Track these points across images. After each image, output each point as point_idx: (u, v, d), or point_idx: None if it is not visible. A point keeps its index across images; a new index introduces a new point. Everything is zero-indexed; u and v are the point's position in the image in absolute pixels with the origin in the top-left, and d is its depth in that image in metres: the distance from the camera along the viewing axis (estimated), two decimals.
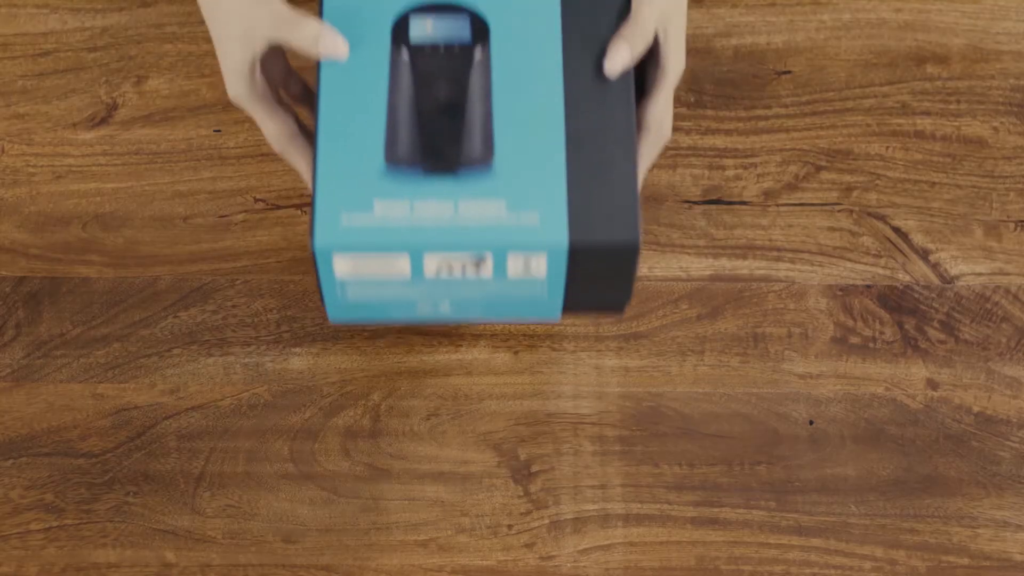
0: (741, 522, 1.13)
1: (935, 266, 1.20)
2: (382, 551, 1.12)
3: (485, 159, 0.96)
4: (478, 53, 0.99)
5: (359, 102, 0.98)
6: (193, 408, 1.15)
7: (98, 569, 1.12)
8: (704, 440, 1.15)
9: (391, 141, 0.97)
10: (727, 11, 1.26)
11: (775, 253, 1.20)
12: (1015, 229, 1.21)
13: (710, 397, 1.16)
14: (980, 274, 1.19)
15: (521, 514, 1.13)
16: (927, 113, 1.24)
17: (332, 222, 0.94)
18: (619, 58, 0.97)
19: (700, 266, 1.19)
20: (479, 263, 0.96)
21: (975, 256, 1.20)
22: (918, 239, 1.20)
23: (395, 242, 0.94)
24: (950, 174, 1.22)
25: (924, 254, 1.20)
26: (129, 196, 1.21)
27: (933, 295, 1.19)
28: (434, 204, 0.95)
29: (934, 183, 1.22)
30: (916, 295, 1.19)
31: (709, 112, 1.23)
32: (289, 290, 1.18)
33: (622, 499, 1.14)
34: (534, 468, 1.14)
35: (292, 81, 1.05)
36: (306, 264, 1.19)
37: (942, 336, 1.18)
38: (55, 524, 1.13)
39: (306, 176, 1.02)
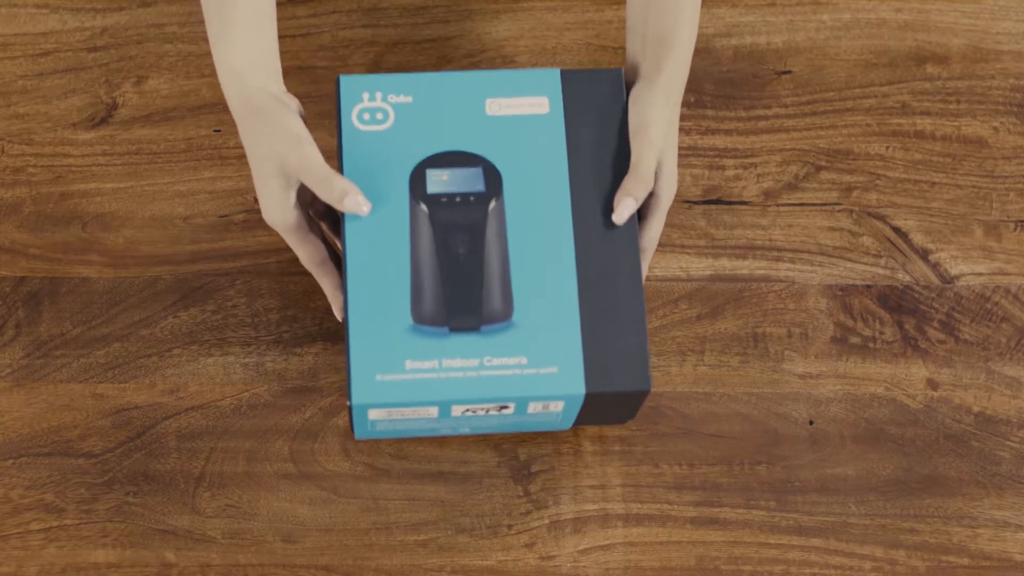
0: (741, 522, 1.13)
1: (935, 266, 1.20)
2: (382, 551, 1.12)
3: (506, 315, 1.03)
4: (493, 203, 1.05)
5: (383, 257, 1.04)
6: (193, 408, 1.15)
7: (98, 569, 1.12)
8: (704, 440, 1.15)
9: (416, 301, 1.03)
10: (727, 11, 1.26)
11: (775, 253, 1.20)
12: (1015, 229, 1.21)
13: (710, 397, 1.16)
14: (980, 274, 1.19)
15: (521, 514, 1.13)
16: (927, 113, 1.24)
17: (367, 381, 1.02)
18: (626, 210, 1.04)
19: (700, 266, 1.19)
20: (502, 407, 1.04)
21: (975, 256, 1.20)
22: (918, 239, 1.20)
23: (425, 398, 1.02)
24: (950, 174, 1.22)
25: (924, 254, 1.20)
26: (129, 196, 1.21)
27: (933, 295, 1.19)
28: (460, 361, 1.02)
29: (934, 183, 1.22)
30: (916, 295, 1.19)
31: (709, 112, 1.23)
32: (289, 290, 1.18)
33: (622, 499, 1.14)
34: (534, 468, 1.14)
35: (319, 200, 1.10)
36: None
37: (942, 336, 1.18)
38: (55, 524, 1.13)
39: (332, 298, 1.09)
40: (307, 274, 1.19)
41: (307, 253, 1.07)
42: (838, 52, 1.25)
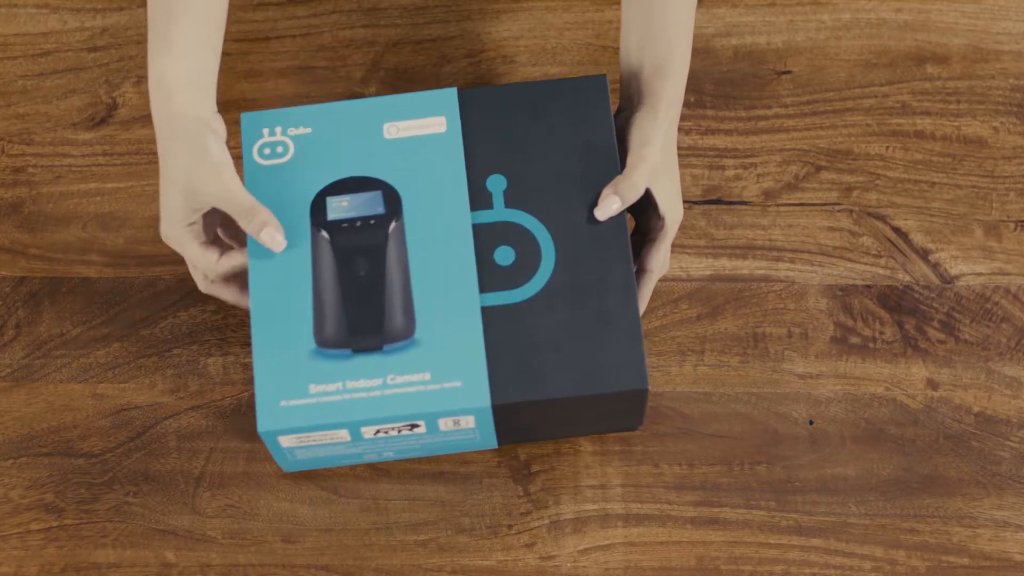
0: (741, 522, 1.13)
1: (935, 266, 1.20)
2: (382, 551, 1.12)
3: (408, 333, 1.04)
4: (393, 224, 1.06)
5: (287, 284, 1.05)
6: (193, 408, 1.15)
7: (98, 569, 1.12)
8: (704, 440, 1.15)
9: (319, 324, 1.04)
10: (727, 11, 1.26)
11: (775, 253, 1.20)
12: (1015, 229, 1.21)
13: (710, 397, 1.16)
14: (980, 274, 1.19)
15: (521, 514, 1.13)
16: (927, 113, 1.24)
17: (272, 408, 1.03)
18: (610, 207, 1.06)
19: (700, 266, 1.19)
20: (413, 426, 1.04)
21: (975, 256, 1.20)
22: (918, 239, 1.20)
23: (332, 421, 1.02)
24: (950, 174, 1.22)
25: (924, 254, 1.20)
26: (129, 196, 1.21)
27: (933, 295, 1.19)
28: (364, 381, 1.03)
29: (934, 183, 1.22)
30: (916, 295, 1.19)
31: (709, 112, 1.23)
32: None
33: (622, 499, 1.14)
34: (534, 468, 1.14)
35: (230, 221, 1.11)
36: None
37: (942, 336, 1.18)
38: (55, 524, 1.13)
39: (236, 304, 1.10)
40: None
41: (204, 264, 1.06)
42: (838, 52, 1.25)
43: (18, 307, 1.18)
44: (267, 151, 1.08)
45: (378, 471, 1.14)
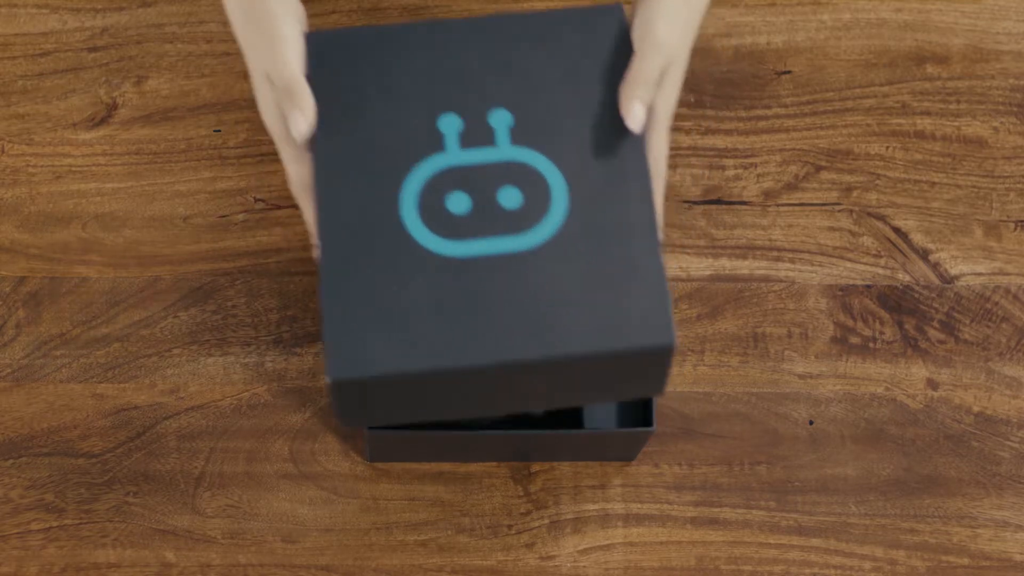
0: (741, 522, 1.13)
1: (935, 266, 1.20)
2: (382, 551, 1.12)
3: None
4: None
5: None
6: (193, 408, 1.15)
7: (98, 569, 1.12)
8: (704, 440, 1.15)
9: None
10: (727, 11, 1.26)
11: (775, 253, 1.20)
12: (1015, 229, 1.21)
13: (710, 397, 1.16)
14: (980, 274, 1.20)
15: (521, 514, 1.13)
16: (927, 113, 1.24)
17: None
18: (637, 115, 0.94)
19: (700, 266, 1.19)
20: None
21: (975, 256, 1.20)
22: (918, 239, 1.20)
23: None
24: (950, 174, 1.22)
25: (924, 254, 1.20)
26: (129, 196, 1.21)
27: (933, 295, 1.19)
28: None
29: (934, 183, 1.22)
30: (916, 295, 1.19)
31: (709, 112, 1.23)
32: (289, 290, 1.18)
33: (622, 499, 1.14)
34: (534, 468, 1.14)
35: None
36: (306, 263, 1.19)
37: (942, 336, 1.18)
38: (55, 524, 1.13)
39: (310, 226, 0.99)
40: (307, 274, 1.19)
41: (294, 171, 0.97)
42: (838, 52, 1.25)
43: (18, 307, 1.18)
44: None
45: (378, 471, 1.14)
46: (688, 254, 1.20)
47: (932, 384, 1.17)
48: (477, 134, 0.97)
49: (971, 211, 1.21)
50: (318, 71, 0.98)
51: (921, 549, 1.13)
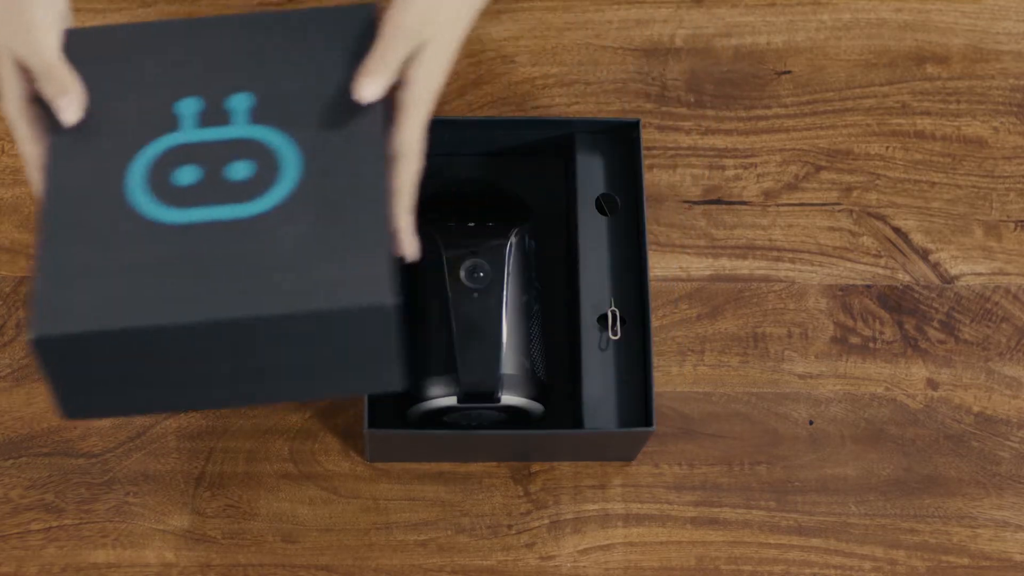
0: (741, 522, 1.13)
1: (935, 266, 1.20)
2: (382, 551, 1.12)
3: None
4: None
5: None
6: None
7: (98, 569, 1.12)
8: (704, 440, 1.15)
9: None
10: (727, 11, 1.26)
11: (775, 253, 1.20)
12: (1015, 229, 1.21)
13: (710, 397, 1.16)
14: (980, 274, 1.19)
15: (521, 514, 1.13)
16: (927, 113, 1.24)
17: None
18: (366, 88, 0.94)
19: (700, 266, 1.19)
20: None
21: (975, 256, 1.20)
22: (918, 239, 1.20)
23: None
24: (950, 174, 1.22)
25: (924, 254, 1.20)
26: None
27: (933, 295, 1.19)
28: None
29: (934, 183, 1.22)
30: (916, 295, 1.19)
31: (709, 112, 1.23)
32: None
33: (622, 499, 1.14)
34: (534, 468, 1.14)
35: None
36: None
37: (942, 336, 1.18)
38: (55, 524, 1.13)
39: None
40: None
41: (30, 152, 0.97)
42: (838, 52, 1.25)
43: (18, 307, 1.18)
44: None
45: (378, 471, 1.14)
46: (688, 254, 1.20)
47: (932, 384, 1.17)
48: (216, 115, 0.97)
49: (971, 211, 1.21)
50: (68, 62, 0.99)
51: (921, 549, 1.13)
